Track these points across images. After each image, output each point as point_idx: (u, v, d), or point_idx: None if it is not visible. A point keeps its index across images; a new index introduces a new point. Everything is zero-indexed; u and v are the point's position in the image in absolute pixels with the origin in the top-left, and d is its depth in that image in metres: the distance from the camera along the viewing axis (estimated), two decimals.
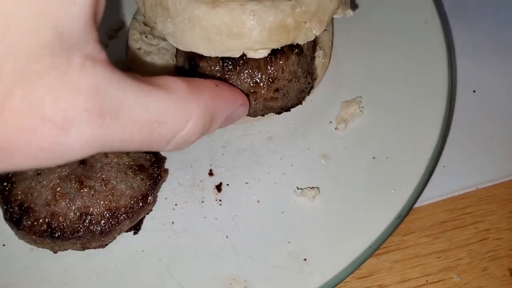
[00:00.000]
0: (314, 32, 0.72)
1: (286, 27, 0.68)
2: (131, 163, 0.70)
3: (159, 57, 0.82)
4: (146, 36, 0.84)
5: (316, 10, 0.70)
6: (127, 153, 0.71)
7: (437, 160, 0.81)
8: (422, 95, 0.85)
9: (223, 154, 0.80)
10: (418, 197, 0.75)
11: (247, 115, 0.76)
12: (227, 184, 0.77)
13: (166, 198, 0.75)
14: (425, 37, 0.93)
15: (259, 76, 0.72)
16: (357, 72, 0.90)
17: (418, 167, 0.77)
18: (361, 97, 0.86)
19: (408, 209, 0.73)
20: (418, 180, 0.75)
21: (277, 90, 0.73)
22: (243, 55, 0.70)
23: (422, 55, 0.91)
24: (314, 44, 0.82)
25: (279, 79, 0.73)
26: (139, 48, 0.83)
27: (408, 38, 0.93)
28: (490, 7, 1.13)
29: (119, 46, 0.92)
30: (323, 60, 0.85)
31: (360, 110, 0.84)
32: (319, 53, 0.85)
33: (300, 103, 0.79)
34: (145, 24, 0.88)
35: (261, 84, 0.72)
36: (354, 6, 0.94)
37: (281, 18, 0.67)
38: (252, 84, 0.72)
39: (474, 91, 0.99)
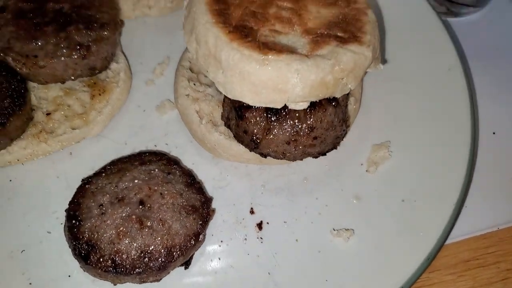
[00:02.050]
0: (350, 86, 0.79)
1: (326, 84, 0.76)
2: (185, 203, 0.77)
3: (206, 104, 0.90)
4: (194, 84, 0.92)
5: (352, 68, 0.77)
6: (181, 194, 0.78)
7: (462, 203, 0.86)
8: (446, 140, 0.92)
9: (262, 193, 0.87)
10: (445, 239, 0.81)
11: (287, 160, 0.84)
12: (267, 223, 0.83)
13: (212, 235, 0.82)
14: (449, 83, 1.00)
15: (300, 126, 0.79)
16: (385, 116, 0.97)
17: (445, 211, 0.83)
18: (389, 141, 0.93)
19: (436, 252, 0.79)
20: (445, 224, 0.81)
21: (315, 138, 0.81)
22: (285, 105, 0.77)
23: (447, 100, 0.97)
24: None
25: (318, 129, 0.80)
26: (187, 95, 0.91)
27: (433, 84, 1.00)
28: (508, 49, 1.20)
29: (166, 84, 1.00)
30: (354, 106, 0.93)
31: (389, 154, 0.91)
32: (350, 100, 0.92)
33: (335, 147, 0.86)
34: (191, 70, 0.96)
35: (301, 133, 0.79)
36: (384, 61, 1.01)
37: (322, 76, 0.75)
38: (293, 133, 0.79)
39: (494, 133, 1.05)
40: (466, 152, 0.89)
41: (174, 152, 0.92)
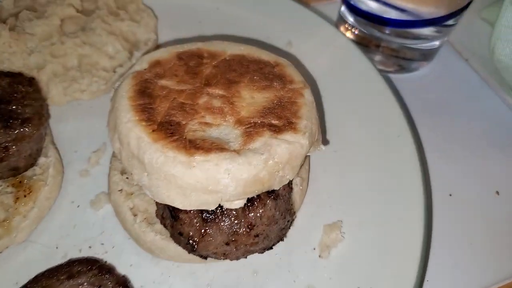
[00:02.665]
0: (288, 177, 0.74)
1: (261, 180, 0.70)
2: None
3: (140, 199, 0.83)
4: (127, 178, 0.85)
5: (288, 159, 0.72)
6: None
7: (421, 284, 0.81)
8: (399, 215, 0.87)
9: None
10: None
11: (229, 260, 0.77)
12: None
13: None
14: (399, 151, 0.96)
15: (238, 225, 0.73)
16: (336, 190, 0.92)
17: None
18: (341, 221, 0.88)
19: None
20: None
21: (257, 235, 0.74)
22: (220, 205, 0.71)
23: (398, 170, 0.93)
24: None
25: (258, 225, 0.74)
26: (120, 190, 0.84)
27: (382, 154, 0.96)
28: (457, 103, 1.19)
29: (102, 174, 0.93)
30: (301, 187, 0.87)
31: (342, 236, 0.86)
32: (296, 181, 0.87)
33: (282, 239, 0.80)
34: None
35: (241, 232, 0.73)
36: (325, 141, 0.98)
37: (255, 173, 0.69)
38: (232, 233, 0.73)
39: (451, 195, 1.02)
40: (420, 227, 0.85)
41: (110, 253, 0.84)
